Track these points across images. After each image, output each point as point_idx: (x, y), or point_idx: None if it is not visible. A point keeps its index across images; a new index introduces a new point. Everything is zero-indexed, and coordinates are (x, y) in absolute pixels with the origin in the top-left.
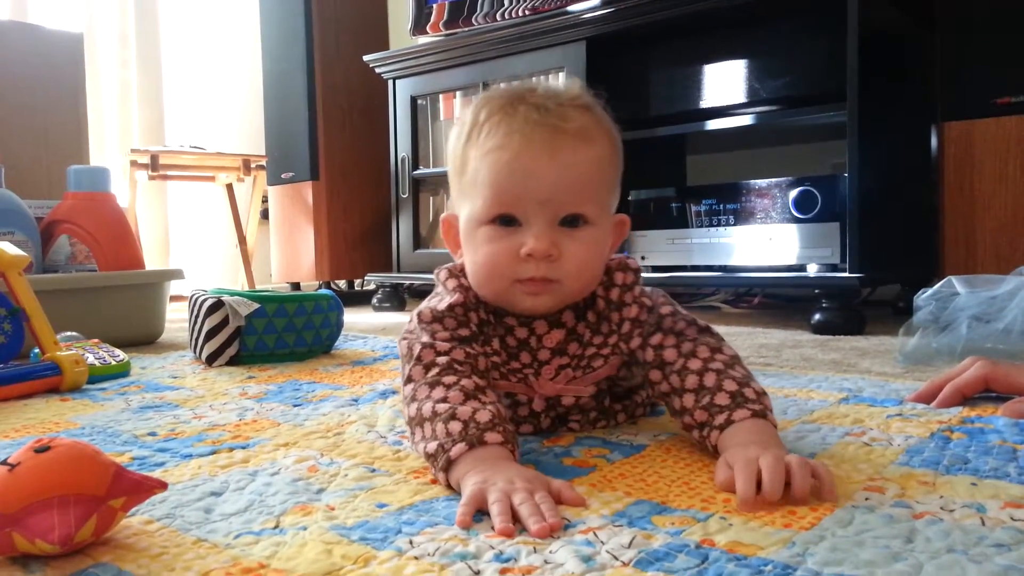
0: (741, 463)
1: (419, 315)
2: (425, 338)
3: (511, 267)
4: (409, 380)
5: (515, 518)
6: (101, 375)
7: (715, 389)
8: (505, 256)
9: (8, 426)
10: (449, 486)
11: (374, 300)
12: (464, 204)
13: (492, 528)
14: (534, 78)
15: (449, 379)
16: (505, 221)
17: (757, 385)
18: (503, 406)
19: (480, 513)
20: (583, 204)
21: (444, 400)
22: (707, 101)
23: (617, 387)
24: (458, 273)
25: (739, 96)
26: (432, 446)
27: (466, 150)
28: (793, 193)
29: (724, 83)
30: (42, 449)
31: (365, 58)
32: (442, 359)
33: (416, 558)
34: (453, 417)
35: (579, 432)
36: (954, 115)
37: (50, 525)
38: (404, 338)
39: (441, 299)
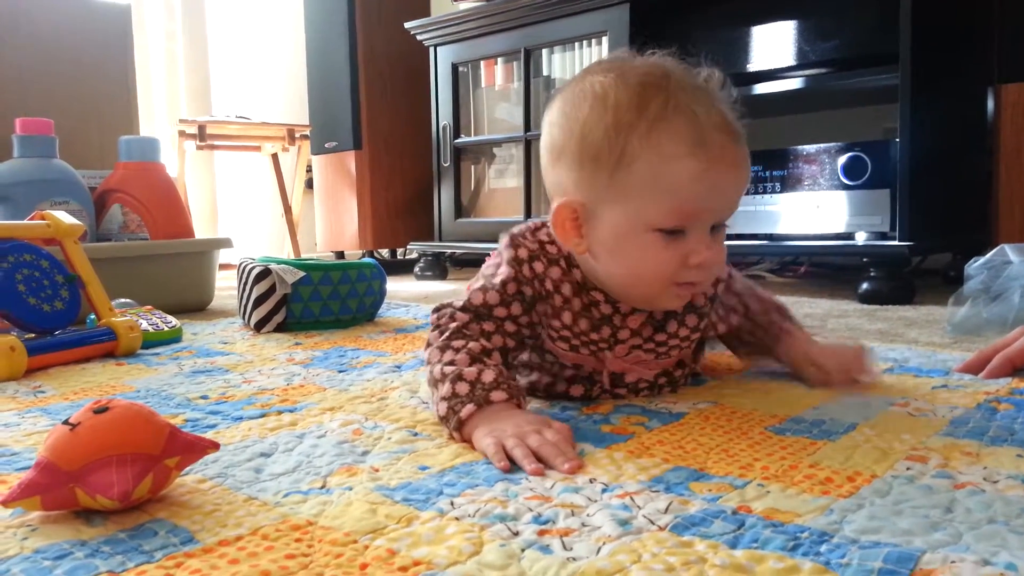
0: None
1: (487, 280)
2: (464, 299)
3: (677, 273)
4: (427, 345)
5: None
6: (154, 340)
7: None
8: (674, 263)
9: (67, 388)
10: (464, 441)
11: (416, 269)
12: (619, 202)
13: (529, 491)
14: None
15: (458, 342)
16: (672, 231)
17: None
18: (504, 367)
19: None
20: (734, 211)
21: (452, 363)
22: (754, 64)
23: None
24: (521, 243)
25: (787, 59)
26: (443, 407)
27: (630, 143)
28: (842, 159)
29: (772, 45)
30: (101, 410)
31: (406, 25)
32: (454, 324)
33: (457, 519)
34: (460, 378)
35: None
36: (1012, 77)
37: (109, 482)
38: (435, 311)
39: (505, 269)
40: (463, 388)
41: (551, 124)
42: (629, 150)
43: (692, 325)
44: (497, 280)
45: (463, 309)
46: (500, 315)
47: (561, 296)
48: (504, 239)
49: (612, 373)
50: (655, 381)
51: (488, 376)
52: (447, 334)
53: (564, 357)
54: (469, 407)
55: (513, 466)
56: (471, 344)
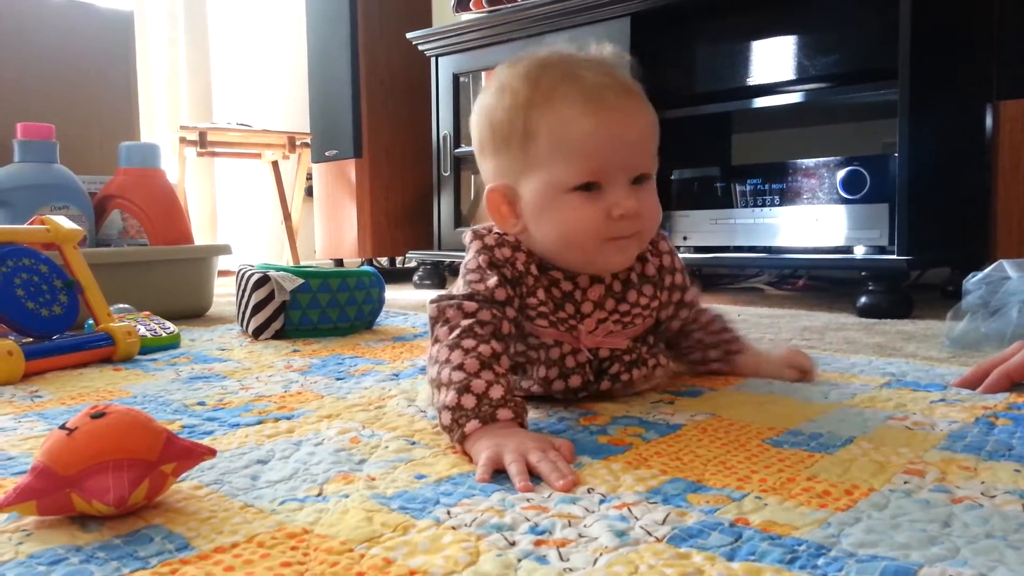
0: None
1: (464, 272)
2: (465, 290)
3: (603, 228)
4: (436, 341)
5: (532, 476)
6: (152, 346)
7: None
8: (597, 218)
9: (64, 393)
10: (464, 452)
11: (415, 277)
12: (534, 173)
13: (526, 501)
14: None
15: (468, 343)
16: (587, 186)
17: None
18: (511, 378)
19: (498, 472)
20: (650, 162)
21: (460, 368)
22: (754, 78)
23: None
24: (482, 234)
25: (787, 73)
26: (447, 418)
27: (531, 118)
28: (841, 173)
29: (771, 59)
30: (98, 415)
31: (408, 35)
32: (466, 321)
33: (453, 528)
34: (467, 390)
35: (622, 389)
36: (1010, 94)
37: (105, 487)
38: (434, 301)
39: (474, 257)
40: (469, 401)
41: (471, 123)
42: (531, 124)
43: (649, 294)
44: (484, 265)
45: (468, 297)
46: (501, 298)
47: (532, 276)
48: (467, 236)
49: (589, 350)
50: (630, 364)
51: (496, 392)
52: (457, 332)
53: (545, 335)
54: (474, 423)
55: (502, 478)
56: (481, 347)
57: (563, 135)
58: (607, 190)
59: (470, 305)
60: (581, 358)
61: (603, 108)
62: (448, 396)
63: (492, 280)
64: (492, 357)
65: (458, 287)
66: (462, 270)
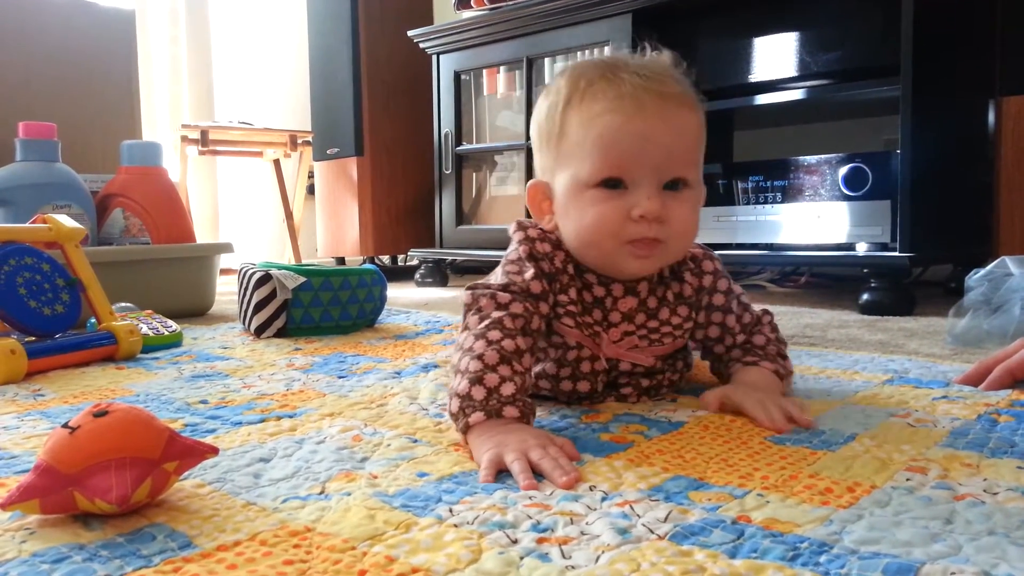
0: (752, 403)
1: (504, 262)
2: (496, 283)
3: (622, 228)
4: (465, 328)
5: (535, 473)
6: (154, 345)
7: (756, 343)
8: (616, 217)
9: (67, 392)
10: (465, 443)
11: (417, 275)
12: (564, 169)
13: (528, 498)
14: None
15: (494, 334)
16: (612, 184)
17: (788, 361)
18: (529, 374)
19: (500, 472)
20: (687, 168)
21: (480, 358)
22: (756, 75)
23: (665, 366)
24: (526, 226)
25: (789, 70)
26: (455, 405)
27: (566, 116)
28: (843, 170)
29: (773, 56)
30: (100, 414)
31: (409, 33)
32: (497, 313)
33: (455, 526)
34: (480, 381)
35: (627, 402)
36: (1013, 90)
37: (108, 486)
38: (470, 288)
39: (516, 248)
40: (479, 393)
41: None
42: (564, 121)
43: (684, 315)
44: (523, 256)
45: (504, 288)
46: (536, 291)
47: (567, 275)
48: (512, 227)
49: (608, 359)
50: (647, 384)
51: (507, 389)
52: (486, 323)
53: (569, 335)
54: (479, 415)
55: (507, 476)
56: (505, 341)
57: (588, 130)
58: (632, 190)
59: (504, 296)
60: (598, 366)
61: (633, 106)
62: (461, 384)
63: (529, 272)
64: (514, 353)
65: (496, 276)
66: (503, 260)
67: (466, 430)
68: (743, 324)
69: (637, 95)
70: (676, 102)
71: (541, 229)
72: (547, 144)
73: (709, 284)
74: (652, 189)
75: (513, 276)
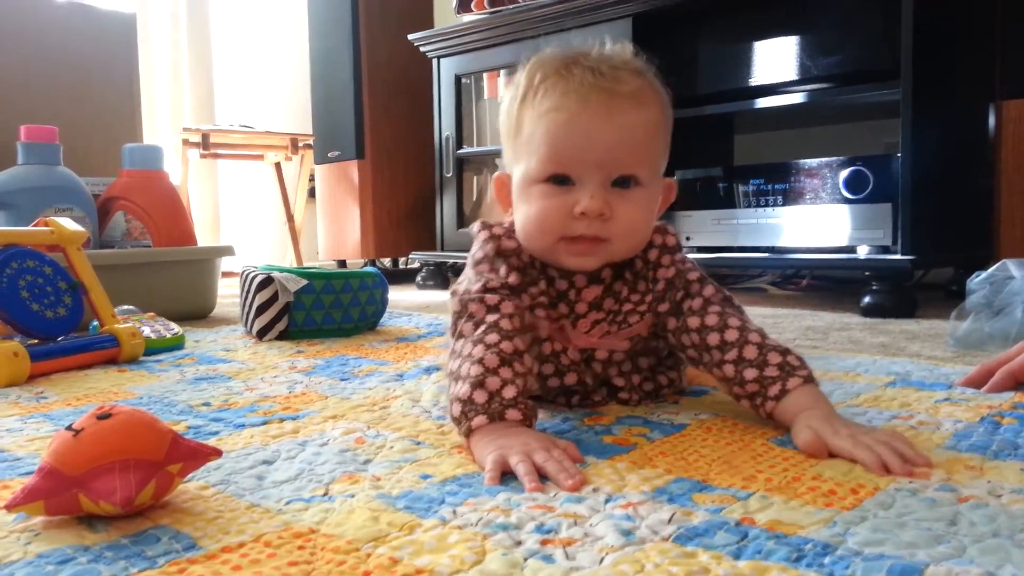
0: (851, 444)
1: (472, 263)
2: (477, 286)
3: (562, 224)
4: (460, 336)
5: (540, 476)
6: (157, 347)
7: (760, 362)
8: (557, 213)
9: (70, 395)
10: (468, 447)
11: (418, 278)
12: (519, 164)
13: (531, 500)
14: (588, 42)
15: (492, 338)
16: (559, 180)
17: (795, 352)
18: (533, 377)
19: (505, 474)
20: (636, 166)
21: (480, 362)
22: (756, 79)
23: (652, 354)
24: (491, 225)
25: (789, 73)
26: (457, 409)
27: (521, 111)
28: (844, 173)
29: (774, 60)
30: (104, 416)
31: (410, 37)
32: (491, 316)
33: (459, 527)
34: (481, 385)
35: (627, 404)
36: (1013, 94)
37: (112, 488)
38: (456, 295)
39: (481, 247)
40: (481, 397)
41: None
42: (520, 116)
43: (642, 289)
44: (491, 254)
45: (488, 290)
46: (516, 283)
47: (534, 268)
48: (476, 226)
49: (582, 350)
50: (629, 373)
51: (509, 392)
52: (483, 328)
53: (542, 328)
54: (481, 419)
55: (511, 479)
56: (504, 344)
57: (537, 126)
58: (578, 187)
59: (492, 298)
60: (573, 356)
61: (580, 103)
62: (462, 388)
63: (503, 268)
64: (514, 354)
65: (467, 278)
66: (469, 261)
67: (468, 434)
68: (710, 324)
69: (583, 92)
70: (625, 99)
71: (506, 228)
72: (507, 137)
73: (654, 257)
74: (596, 187)
75: (488, 275)
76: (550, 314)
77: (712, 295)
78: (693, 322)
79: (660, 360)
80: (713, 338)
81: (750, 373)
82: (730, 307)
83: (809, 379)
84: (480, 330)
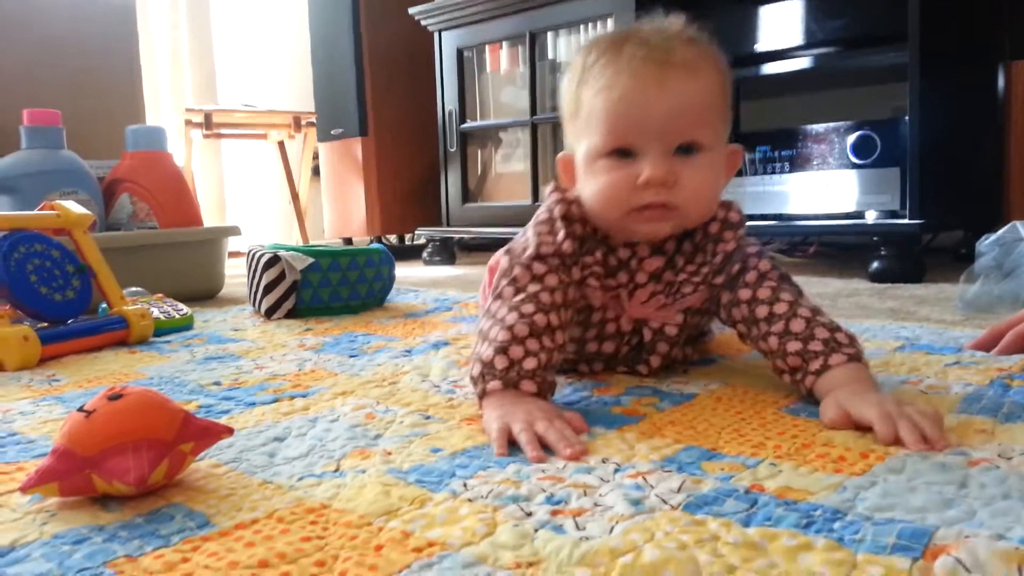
0: (876, 413)
1: (535, 222)
2: (529, 251)
3: (629, 195)
4: (498, 296)
5: (543, 445)
6: (166, 328)
7: (807, 336)
8: (623, 184)
9: (81, 377)
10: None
11: (424, 254)
12: (581, 143)
13: (541, 472)
14: (638, 23)
15: (528, 308)
16: (622, 153)
17: (847, 330)
18: (560, 352)
19: (511, 444)
20: (696, 131)
21: (510, 329)
22: (762, 44)
23: (692, 329)
24: (564, 189)
25: (795, 38)
26: (476, 370)
27: (578, 92)
28: (851, 138)
29: (779, 25)
30: (115, 397)
31: (411, 10)
32: (533, 287)
33: (470, 500)
34: (505, 352)
35: (644, 375)
36: (1022, 54)
37: (125, 468)
38: (508, 254)
39: (548, 208)
40: (501, 363)
41: None
42: (578, 97)
43: (699, 262)
44: (557, 216)
45: (539, 259)
46: (569, 251)
47: (595, 239)
48: (549, 187)
49: (634, 319)
50: (671, 351)
51: (529, 364)
52: (522, 296)
53: (594, 297)
54: (496, 384)
55: (515, 450)
56: (538, 316)
57: (594, 106)
58: (640, 158)
59: (539, 267)
60: (625, 326)
61: (632, 77)
62: (487, 351)
63: (560, 233)
64: (545, 328)
65: (524, 238)
66: (532, 220)
67: (481, 396)
68: (762, 297)
69: (634, 66)
70: (678, 68)
71: (576, 196)
72: (568, 120)
73: (715, 231)
74: (658, 156)
75: (544, 237)
76: (606, 284)
77: (768, 270)
78: (744, 294)
79: (695, 337)
80: (762, 310)
81: (793, 346)
82: (786, 283)
83: (856, 357)
84: (519, 297)
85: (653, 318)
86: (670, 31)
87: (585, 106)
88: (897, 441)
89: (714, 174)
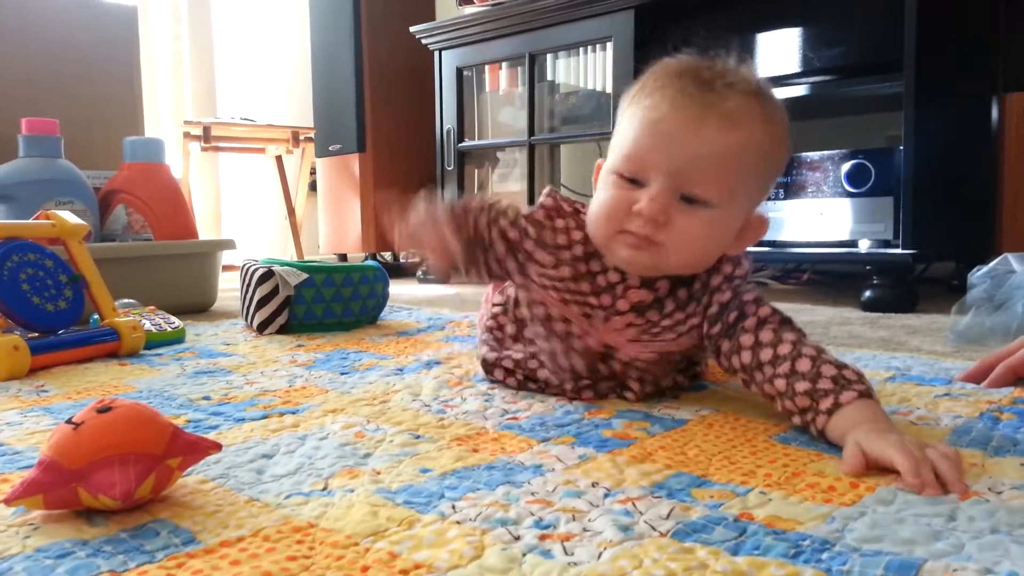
0: (900, 456)
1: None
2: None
3: (621, 216)
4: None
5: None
6: (157, 341)
7: (814, 375)
8: (620, 205)
9: (70, 388)
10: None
11: (419, 272)
12: (611, 154)
13: (531, 495)
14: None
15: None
16: (632, 179)
17: (854, 367)
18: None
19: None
20: (708, 187)
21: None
22: (758, 71)
23: (674, 365)
24: (561, 198)
25: (792, 66)
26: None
27: (627, 107)
28: (846, 166)
29: (776, 52)
30: (104, 409)
31: (411, 29)
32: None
33: (458, 522)
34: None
35: (628, 393)
36: (1016, 86)
37: (112, 481)
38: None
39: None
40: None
41: None
42: (624, 112)
43: (690, 311)
44: (535, 215)
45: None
46: (577, 238)
47: (571, 253)
48: (546, 190)
49: (605, 344)
50: (652, 389)
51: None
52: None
53: (553, 306)
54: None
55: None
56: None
57: (630, 123)
58: (646, 188)
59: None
60: (593, 344)
61: (671, 108)
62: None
63: (549, 201)
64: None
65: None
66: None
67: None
68: (764, 340)
69: (680, 99)
70: (720, 115)
71: (576, 208)
72: (615, 127)
73: (717, 283)
74: (659, 190)
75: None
76: (572, 298)
77: (769, 315)
78: (747, 340)
79: (672, 368)
80: (766, 353)
81: (801, 385)
82: (788, 326)
83: (866, 394)
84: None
85: (622, 348)
86: (736, 77)
87: (624, 121)
88: (924, 487)
89: (714, 231)
